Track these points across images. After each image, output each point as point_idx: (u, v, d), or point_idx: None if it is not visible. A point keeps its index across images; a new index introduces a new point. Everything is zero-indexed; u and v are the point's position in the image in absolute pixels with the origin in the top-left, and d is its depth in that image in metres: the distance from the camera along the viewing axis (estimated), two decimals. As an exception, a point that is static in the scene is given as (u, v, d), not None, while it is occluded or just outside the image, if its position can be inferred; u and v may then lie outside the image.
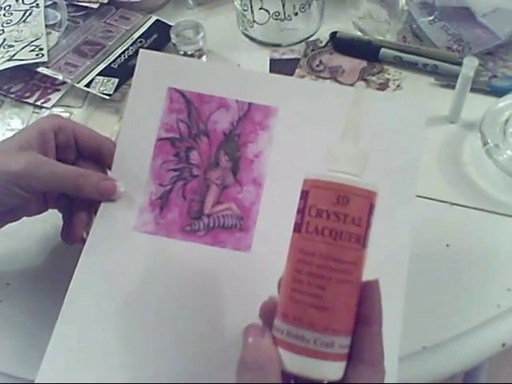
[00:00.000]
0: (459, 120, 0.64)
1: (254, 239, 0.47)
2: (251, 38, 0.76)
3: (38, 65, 0.72)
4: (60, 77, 0.71)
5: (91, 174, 0.48)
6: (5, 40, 0.75)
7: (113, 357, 0.44)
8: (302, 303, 0.33)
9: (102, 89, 0.69)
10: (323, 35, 0.75)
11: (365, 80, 0.69)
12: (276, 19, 0.72)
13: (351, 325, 0.34)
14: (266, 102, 0.50)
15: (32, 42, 0.74)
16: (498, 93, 0.65)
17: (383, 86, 0.69)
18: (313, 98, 0.50)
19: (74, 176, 0.47)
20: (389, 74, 0.70)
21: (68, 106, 0.70)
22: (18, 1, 0.81)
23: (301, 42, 0.75)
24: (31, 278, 0.55)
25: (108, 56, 0.73)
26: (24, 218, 0.51)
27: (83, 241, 0.48)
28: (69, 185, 0.47)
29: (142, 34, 0.76)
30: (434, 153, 0.62)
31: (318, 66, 0.72)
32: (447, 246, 0.55)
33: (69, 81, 0.70)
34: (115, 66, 0.72)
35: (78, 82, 0.70)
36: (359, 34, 0.75)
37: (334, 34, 0.74)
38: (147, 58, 0.52)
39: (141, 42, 0.75)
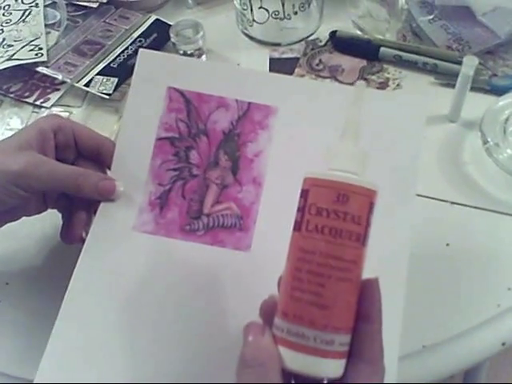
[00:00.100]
0: (459, 119, 0.64)
1: (254, 239, 0.47)
2: (251, 38, 0.76)
3: (37, 64, 0.72)
4: (59, 76, 0.71)
5: (91, 173, 0.48)
6: (4, 39, 0.75)
7: (112, 356, 0.44)
8: (302, 301, 0.33)
9: (101, 88, 0.69)
10: (323, 34, 0.75)
11: (365, 79, 0.69)
12: (275, 18, 0.72)
13: (351, 323, 0.34)
14: (266, 102, 0.50)
15: (31, 41, 0.74)
16: (498, 92, 0.65)
17: (383, 85, 0.69)
18: (312, 98, 0.50)
19: (73, 176, 0.47)
20: (388, 73, 0.70)
21: (67, 106, 0.70)
22: (17, 0, 0.81)
23: (300, 41, 0.75)
24: (30, 278, 0.55)
25: (107, 55, 0.73)
26: (23, 218, 0.51)
27: (82, 240, 0.48)
28: (68, 184, 0.47)
29: (142, 33, 0.76)
30: (434, 152, 0.62)
31: (317, 65, 0.72)
32: (447, 245, 0.55)
33: (68, 80, 0.70)
34: (115, 66, 0.72)
35: (77, 82, 0.70)
36: (359, 33, 0.74)
37: (333, 33, 0.74)
38: (147, 58, 0.52)
39: (140, 41, 0.75)
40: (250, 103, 0.50)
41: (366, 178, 0.35)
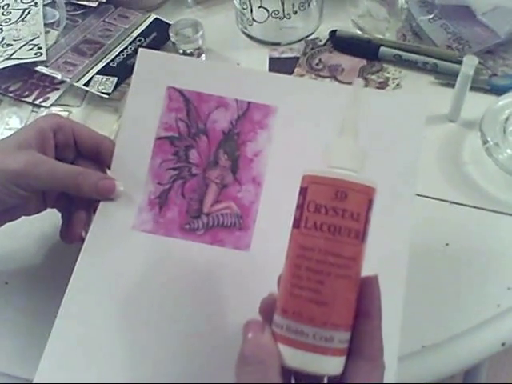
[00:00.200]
0: (459, 119, 0.64)
1: (254, 238, 0.47)
2: (250, 37, 0.76)
3: (36, 64, 0.72)
4: (59, 76, 0.71)
5: (90, 172, 0.48)
6: (3, 39, 0.75)
7: (111, 356, 0.44)
8: (302, 298, 0.33)
9: (100, 88, 0.69)
10: (322, 34, 0.75)
11: (364, 79, 0.69)
12: (275, 18, 0.72)
13: (351, 320, 0.34)
14: (266, 101, 0.50)
15: (30, 40, 0.74)
16: (498, 91, 0.65)
17: (383, 85, 0.69)
18: (312, 97, 0.50)
19: (73, 175, 0.47)
20: (388, 73, 0.70)
21: (67, 105, 0.70)
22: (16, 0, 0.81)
23: (300, 40, 0.75)
24: (30, 278, 0.55)
25: (107, 55, 0.73)
26: (23, 218, 0.51)
27: (82, 240, 0.48)
28: (68, 184, 0.47)
29: (141, 32, 0.76)
30: (434, 151, 0.62)
31: (317, 64, 0.72)
32: (447, 244, 0.55)
33: (67, 80, 0.70)
34: (114, 65, 0.72)
35: (76, 81, 0.70)
36: (359, 32, 0.74)
37: (333, 33, 0.74)
38: (146, 57, 0.52)
39: (140, 40, 0.75)
40: (249, 103, 0.50)
41: (365, 176, 0.35)
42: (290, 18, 0.72)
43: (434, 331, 0.50)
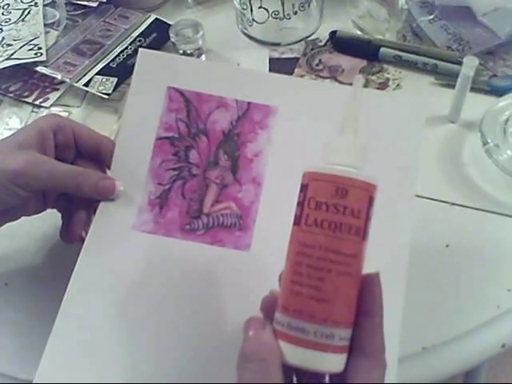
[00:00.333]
0: (459, 119, 0.64)
1: (254, 238, 0.47)
2: (250, 37, 0.75)
3: (36, 64, 0.72)
4: (59, 76, 0.71)
5: (90, 173, 0.48)
6: (3, 39, 0.75)
7: (111, 355, 0.44)
8: (302, 295, 0.33)
9: (100, 88, 0.69)
10: (323, 34, 0.75)
11: (365, 79, 0.69)
12: (275, 18, 0.72)
13: (351, 317, 0.34)
14: (266, 102, 0.50)
15: (30, 40, 0.74)
16: (498, 92, 0.65)
17: (383, 86, 0.69)
18: (312, 98, 0.50)
19: (73, 175, 0.47)
20: (388, 74, 0.70)
21: (67, 106, 0.70)
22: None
23: (300, 41, 0.75)
24: (30, 278, 0.55)
25: (107, 55, 0.73)
26: (23, 218, 0.50)
27: (82, 240, 0.48)
28: (68, 184, 0.47)
29: (141, 32, 0.76)
30: (434, 152, 0.62)
31: (317, 65, 0.72)
32: (447, 246, 0.55)
33: (67, 80, 0.70)
34: (114, 65, 0.72)
35: (76, 82, 0.70)
36: (359, 33, 0.74)
37: (333, 33, 0.74)
38: (146, 57, 0.52)
39: (140, 40, 0.75)
40: (249, 103, 0.50)
41: (366, 172, 0.35)
42: (290, 19, 0.72)
43: (434, 332, 0.50)
